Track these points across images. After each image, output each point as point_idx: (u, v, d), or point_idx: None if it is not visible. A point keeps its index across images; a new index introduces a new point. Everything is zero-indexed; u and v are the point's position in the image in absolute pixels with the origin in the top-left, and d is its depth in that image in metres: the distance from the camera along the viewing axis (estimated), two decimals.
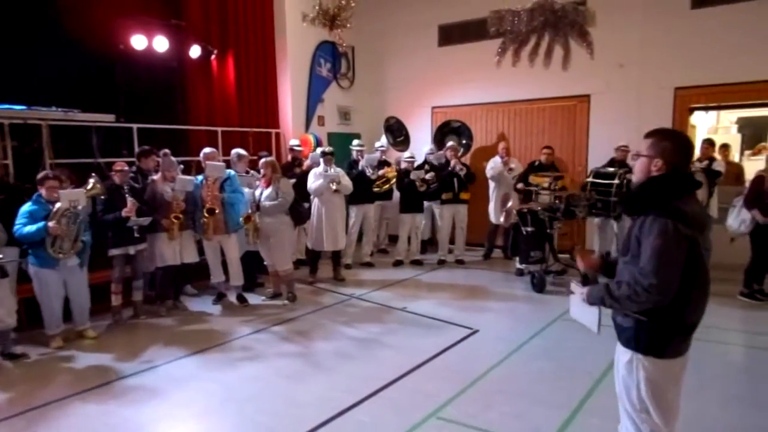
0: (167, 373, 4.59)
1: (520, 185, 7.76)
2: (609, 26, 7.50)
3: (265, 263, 6.60)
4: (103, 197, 5.44)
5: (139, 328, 5.72)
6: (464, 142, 9.43)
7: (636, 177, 2.41)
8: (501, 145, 8.61)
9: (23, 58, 6.94)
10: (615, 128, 7.94)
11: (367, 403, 3.97)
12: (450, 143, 8.71)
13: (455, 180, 8.20)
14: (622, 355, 2.41)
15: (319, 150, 7.89)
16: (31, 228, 4.75)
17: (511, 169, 8.38)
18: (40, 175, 5.04)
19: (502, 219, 7.84)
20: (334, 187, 7.10)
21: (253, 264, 6.77)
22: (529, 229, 6.91)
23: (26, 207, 4.89)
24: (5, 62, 6.91)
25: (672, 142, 2.34)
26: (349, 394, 4.07)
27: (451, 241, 8.64)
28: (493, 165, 8.52)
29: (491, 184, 8.68)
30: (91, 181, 5.32)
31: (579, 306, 2.55)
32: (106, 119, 6.96)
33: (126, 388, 4.31)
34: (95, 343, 5.27)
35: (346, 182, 7.30)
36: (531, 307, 6.34)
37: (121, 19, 7.54)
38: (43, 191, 4.93)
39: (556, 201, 6.88)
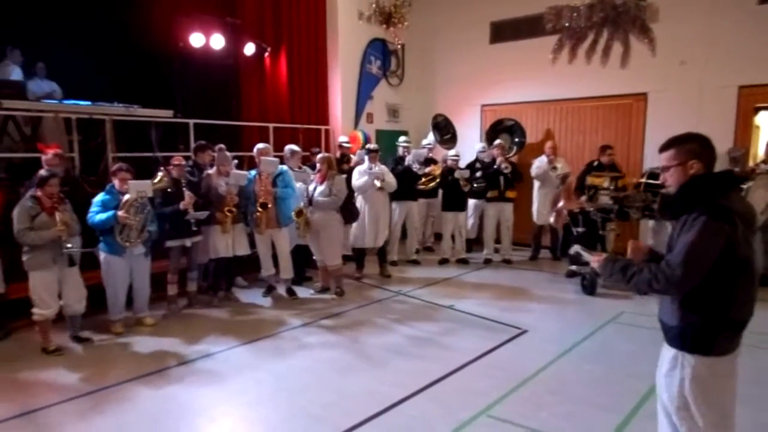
0: (221, 361, 4.73)
1: (577, 203, 7.53)
2: (670, 22, 7.27)
3: (314, 258, 6.71)
4: (169, 190, 5.62)
5: (194, 318, 5.90)
6: (517, 140, 9.31)
7: (673, 189, 2.41)
8: (548, 144, 8.47)
9: (89, 56, 7.27)
10: (674, 128, 7.51)
11: (416, 399, 4.00)
12: (498, 141, 8.62)
13: (501, 178, 8.12)
14: (667, 352, 2.42)
15: (365, 147, 7.95)
16: (102, 216, 4.99)
17: (554, 168, 8.23)
18: (114, 167, 5.29)
19: (551, 219, 7.70)
20: (378, 185, 7.14)
21: (302, 258, 6.89)
22: (581, 229, 6.78)
23: (100, 197, 5.14)
24: (73, 60, 7.27)
25: (694, 142, 2.37)
26: (398, 389, 4.10)
27: (498, 241, 8.56)
28: (538, 164, 8.40)
29: (536, 184, 8.56)
30: (159, 174, 5.54)
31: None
32: (165, 115, 7.23)
33: (182, 374, 4.46)
34: (153, 330, 5.47)
35: (390, 179, 7.33)
36: (581, 309, 6.22)
37: (180, 18, 7.80)
38: (116, 182, 5.17)
39: (610, 202, 6.71)
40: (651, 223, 7.38)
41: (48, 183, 4.68)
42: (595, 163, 7.63)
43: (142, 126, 6.96)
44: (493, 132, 9.51)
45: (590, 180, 7.28)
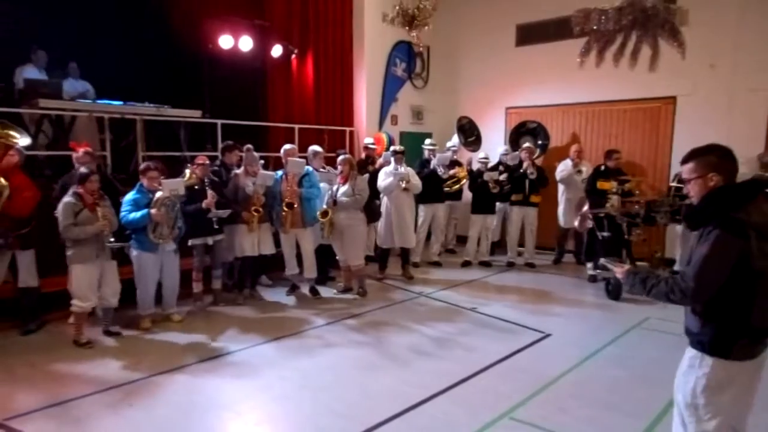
0: (246, 357, 4.81)
1: (587, 210, 7.47)
2: (700, 24, 7.17)
3: (337, 258, 6.77)
4: (197, 188, 5.73)
5: (219, 315, 6.00)
6: (540, 143, 9.27)
7: (695, 200, 2.47)
8: (573, 148, 8.41)
9: (122, 57, 7.45)
10: (703, 132, 7.49)
11: (438, 399, 4.01)
12: (526, 144, 8.58)
13: (526, 182, 8.09)
14: (688, 352, 2.49)
15: (391, 148, 7.99)
16: (135, 215, 5.11)
17: (579, 172, 8.16)
18: (142, 166, 5.42)
19: (576, 223, 7.65)
20: (403, 185, 7.17)
21: (325, 258, 6.94)
22: (605, 234, 6.72)
23: (130, 195, 5.26)
24: (106, 60, 7.46)
25: (713, 154, 2.42)
26: (421, 389, 4.13)
27: (521, 244, 8.53)
28: (563, 168, 8.34)
29: (560, 187, 8.50)
30: (187, 171, 5.65)
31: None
32: (194, 115, 7.37)
33: (208, 369, 4.55)
34: (180, 326, 5.58)
35: (416, 181, 7.35)
36: (605, 314, 6.16)
37: (210, 20, 7.95)
38: (145, 181, 5.29)
39: (636, 206, 6.64)
40: (679, 228, 7.26)
41: (89, 179, 4.83)
42: (602, 168, 7.56)
43: (172, 126, 7.11)
44: (516, 134, 9.47)
45: (599, 184, 7.20)
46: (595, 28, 5.72)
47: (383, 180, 7.23)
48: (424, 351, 4.96)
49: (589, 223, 7.07)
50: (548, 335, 5.38)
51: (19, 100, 6.45)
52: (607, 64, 5.86)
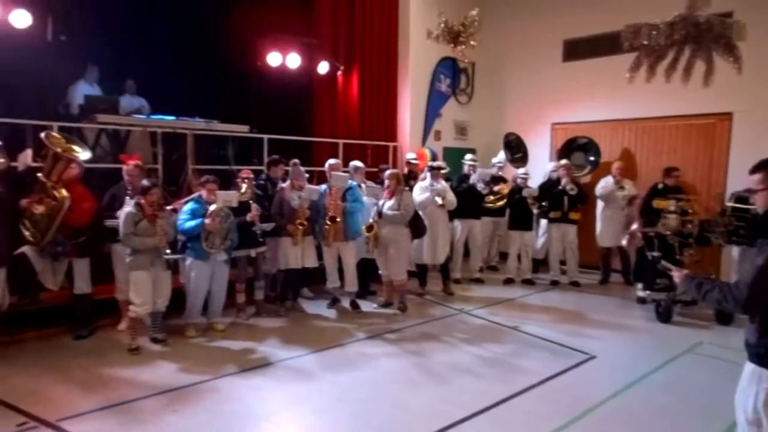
0: (286, 368, 4.86)
1: (637, 228, 7.26)
2: (756, 37, 6.88)
3: (379, 272, 6.78)
4: (250, 201, 5.87)
5: (261, 325, 6.08)
6: (591, 159, 9.07)
7: (761, 210, 2.56)
8: (615, 165, 8.21)
9: (175, 73, 7.73)
10: (761, 149, 7.15)
11: (477, 419, 3.95)
12: (563, 161, 8.41)
13: (565, 199, 7.93)
14: (747, 366, 2.49)
15: (428, 164, 7.99)
16: (191, 223, 5.31)
17: (621, 188, 7.93)
18: (203, 178, 5.62)
19: (624, 242, 7.43)
20: (440, 202, 7.13)
21: (367, 272, 6.97)
22: (656, 254, 6.48)
23: (189, 205, 5.47)
24: (160, 77, 7.77)
25: None
26: (460, 408, 4.07)
27: (563, 262, 8.34)
28: (603, 185, 8.13)
29: (599, 204, 8.28)
30: (244, 185, 5.81)
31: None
32: (241, 130, 7.56)
33: (249, 379, 4.61)
34: (223, 335, 5.68)
35: (451, 197, 7.30)
36: (654, 337, 5.94)
37: (260, 38, 8.19)
38: (203, 192, 5.48)
39: (689, 225, 6.40)
40: (735, 250, 6.92)
41: (150, 192, 5.04)
42: (660, 186, 7.30)
43: (220, 140, 7.32)
44: (565, 150, 9.31)
45: (656, 203, 6.97)
46: (645, 43, 5.62)
47: (418, 195, 7.21)
48: (463, 369, 4.89)
49: (639, 242, 6.85)
50: (593, 357, 5.22)
51: (80, 115, 6.78)
52: (658, 79, 5.73)
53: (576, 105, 9.48)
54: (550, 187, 8.12)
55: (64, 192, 4.87)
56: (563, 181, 7.95)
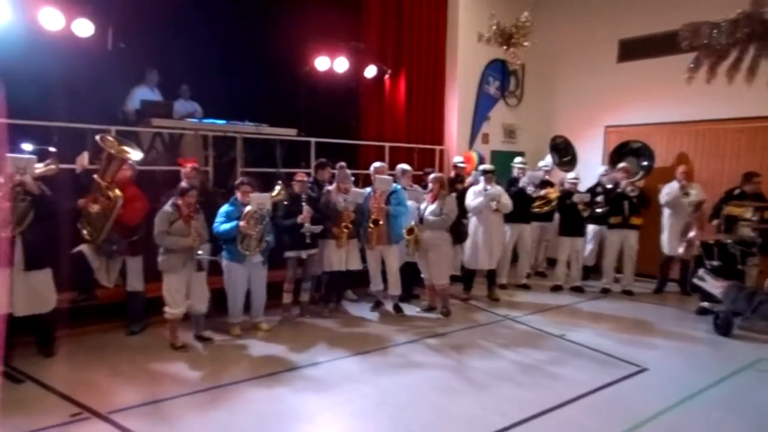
0: (328, 370, 4.88)
1: (715, 221, 6.91)
2: None
3: (422, 276, 6.74)
4: (285, 203, 5.97)
5: (305, 326, 6.15)
6: (644, 163, 8.72)
7: None
8: (680, 169, 7.81)
9: (226, 78, 7.94)
10: None
11: (518, 429, 3.85)
12: (622, 164, 8.13)
13: (625, 203, 7.64)
14: None
15: (480, 168, 7.88)
16: (226, 226, 5.40)
17: (686, 195, 7.55)
18: (237, 181, 5.72)
19: (681, 250, 7.10)
20: (494, 206, 7.01)
21: (410, 276, 6.93)
22: (715, 263, 6.18)
23: (224, 208, 5.56)
24: (213, 82, 8.00)
25: None
26: (500, 417, 3.98)
27: (618, 270, 8.04)
28: (668, 190, 7.76)
29: (666, 211, 7.93)
30: (277, 187, 5.90)
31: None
32: (289, 133, 7.69)
33: (292, 379, 4.67)
34: (267, 335, 5.77)
35: (506, 201, 7.18)
36: (712, 350, 5.65)
37: (308, 43, 8.31)
38: (238, 195, 5.57)
39: (752, 234, 6.06)
40: None
41: (188, 194, 5.17)
42: (737, 192, 6.92)
43: (269, 143, 7.46)
44: (617, 154, 9.00)
45: (729, 209, 6.61)
46: (705, 42, 5.35)
47: (472, 199, 7.12)
48: (506, 376, 4.79)
49: (697, 251, 6.54)
50: (644, 369, 5.00)
51: (136, 119, 7.06)
52: (719, 80, 5.45)
53: (631, 107, 9.16)
54: (607, 191, 7.85)
55: (117, 192, 5.07)
56: (623, 184, 7.66)
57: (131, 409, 4.01)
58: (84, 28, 6.43)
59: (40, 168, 4.72)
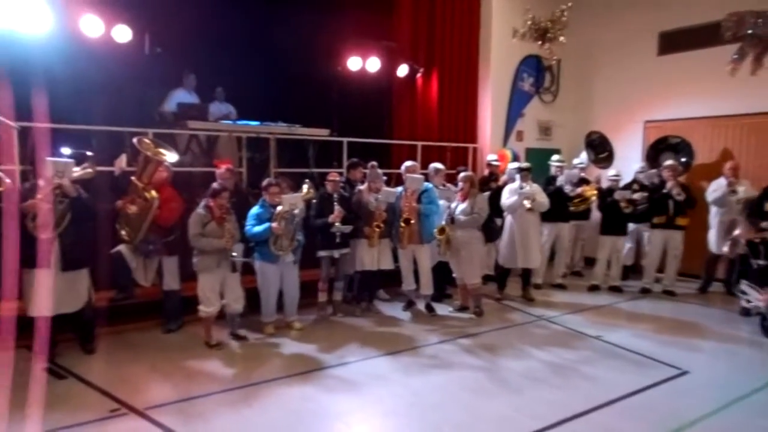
0: (361, 369, 4.89)
1: (740, 233, 6.60)
2: None
3: (453, 275, 6.68)
4: (314, 201, 6.00)
5: (338, 325, 6.17)
6: (683, 160, 8.44)
7: None
8: (727, 165, 7.47)
9: (260, 80, 8.05)
10: None
11: None
12: (669, 162, 7.84)
13: (670, 203, 7.39)
14: None
15: (515, 165, 7.76)
16: (258, 228, 5.46)
17: (734, 192, 7.24)
18: (264, 183, 5.78)
19: (725, 248, 6.83)
20: (528, 205, 6.89)
21: (443, 275, 6.88)
22: (761, 262, 5.93)
23: (254, 210, 5.62)
24: (247, 84, 8.12)
25: None
26: (533, 419, 3.91)
27: (660, 269, 7.80)
28: (715, 187, 7.46)
29: (712, 209, 7.63)
30: (305, 186, 5.94)
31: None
32: (322, 133, 7.74)
33: (325, 377, 4.70)
34: (300, 334, 5.81)
35: (542, 200, 7.05)
36: (758, 353, 5.42)
37: (341, 44, 8.35)
38: (267, 197, 5.63)
39: None
40: None
41: (220, 195, 5.25)
42: None
43: (302, 143, 7.52)
44: (654, 151, 8.73)
45: None
46: (750, 32, 5.17)
47: (507, 198, 7.01)
48: (539, 378, 4.70)
49: (742, 249, 6.29)
50: (685, 372, 4.84)
51: (173, 121, 7.22)
52: (765, 71, 5.25)
53: (672, 101, 8.89)
54: (652, 190, 7.61)
55: (153, 193, 5.19)
56: (669, 185, 7.42)
57: (167, 405, 4.09)
58: (122, 33, 6.61)
59: (77, 171, 4.86)
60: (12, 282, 4.12)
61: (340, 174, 6.98)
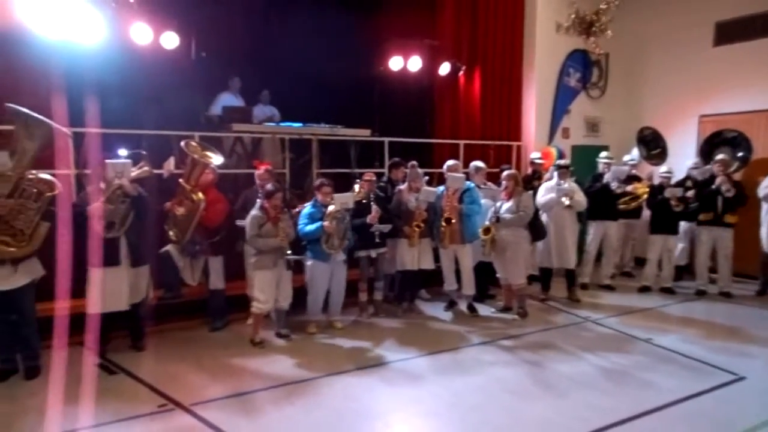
0: (400, 369, 4.88)
1: None
2: None
3: (497, 275, 6.59)
4: (364, 202, 6.03)
5: (378, 325, 6.18)
6: (740, 154, 8.03)
7: None
8: None
9: (303, 82, 8.13)
10: None
11: None
12: (720, 156, 7.51)
13: (718, 199, 7.06)
14: None
15: (555, 163, 7.58)
16: (311, 227, 5.55)
17: None
18: (317, 182, 5.86)
19: None
20: (567, 202, 6.71)
21: (485, 275, 6.79)
22: None
23: (306, 210, 5.71)
24: (291, 86, 8.23)
25: None
26: (577, 422, 3.82)
27: (714, 270, 7.46)
28: (767, 184, 7.09)
29: (764, 206, 7.25)
30: (356, 187, 5.98)
31: None
32: (363, 134, 7.77)
33: (364, 377, 4.71)
34: (342, 333, 5.85)
35: (580, 198, 6.85)
36: None
37: (382, 43, 8.36)
38: (319, 196, 5.71)
39: None
40: None
41: (274, 196, 5.36)
42: None
43: (344, 144, 7.57)
44: (709, 145, 8.35)
45: None
46: None
47: (543, 196, 6.86)
48: (584, 381, 4.57)
49: None
50: (741, 378, 4.62)
51: (218, 125, 7.41)
52: None
53: (728, 94, 8.49)
54: (700, 186, 7.30)
55: (200, 195, 5.33)
56: (718, 180, 7.11)
57: (212, 402, 4.20)
58: (170, 40, 6.81)
59: (135, 171, 5.05)
60: (66, 283, 4.31)
61: (382, 174, 6.98)
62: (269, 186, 5.47)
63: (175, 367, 4.86)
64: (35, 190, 4.40)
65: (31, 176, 4.41)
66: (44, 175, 4.51)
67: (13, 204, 4.32)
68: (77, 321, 4.66)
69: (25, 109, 4.38)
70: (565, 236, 6.89)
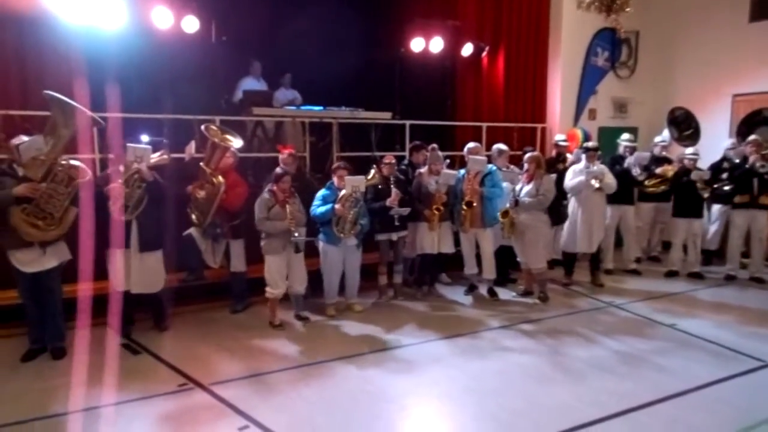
0: (419, 352, 4.89)
1: None
2: None
3: (518, 259, 6.51)
4: (379, 186, 6.01)
5: (398, 308, 6.18)
6: None
7: None
8: None
9: (324, 65, 8.10)
10: None
11: (613, 421, 3.62)
12: (752, 137, 7.24)
13: (755, 180, 6.82)
14: None
15: (583, 145, 7.40)
16: (322, 209, 5.56)
17: None
18: (334, 165, 5.85)
19: None
20: (596, 185, 6.56)
21: (506, 259, 6.72)
22: None
23: (321, 192, 5.72)
24: (312, 69, 8.21)
25: None
26: (595, 408, 3.76)
27: (746, 254, 7.23)
28: None
29: None
30: (372, 171, 5.96)
31: None
32: (384, 117, 7.71)
33: (381, 359, 4.73)
34: (360, 316, 5.88)
35: (610, 180, 6.68)
36: None
37: (404, 25, 8.25)
38: (335, 179, 5.71)
39: None
40: None
41: (282, 180, 5.37)
42: None
43: (364, 127, 7.53)
44: (746, 125, 8.04)
45: None
46: None
47: (571, 179, 6.72)
48: (604, 366, 4.50)
49: None
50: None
51: (239, 109, 7.44)
52: None
53: (764, 72, 8.18)
54: (734, 167, 7.07)
55: (220, 178, 5.38)
56: (751, 159, 6.87)
57: (230, 381, 4.28)
58: (191, 24, 6.84)
59: (154, 158, 5.12)
60: (89, 264, 4.41)
61: (402, 157, 6.92)
62: (278, 169, 5.48)
63: (196, 348, 4.96)
64: (67, 176, 4.50)
65: (63, 162, 4.51)
66: (75, 162, 4.60)
67: (45, 188, 4.42)
68: (100, 302, 4.78)
69: (63, 97, 4.46)
70: (594, 220, 6.74)
